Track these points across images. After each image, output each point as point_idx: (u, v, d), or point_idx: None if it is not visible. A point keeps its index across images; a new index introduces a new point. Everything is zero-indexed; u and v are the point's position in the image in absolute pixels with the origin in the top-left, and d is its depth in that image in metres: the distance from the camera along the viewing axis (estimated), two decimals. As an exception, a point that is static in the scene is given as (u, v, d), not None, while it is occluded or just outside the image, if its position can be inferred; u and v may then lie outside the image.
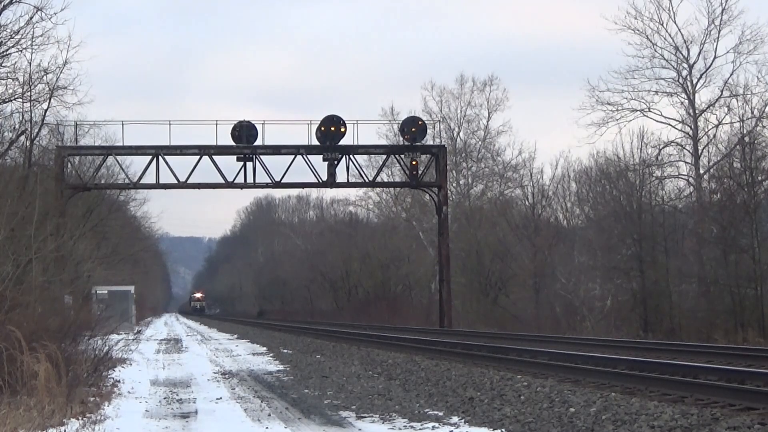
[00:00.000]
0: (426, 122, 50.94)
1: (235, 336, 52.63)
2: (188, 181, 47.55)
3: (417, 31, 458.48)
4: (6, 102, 32.16)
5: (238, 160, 47.03)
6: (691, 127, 50.47)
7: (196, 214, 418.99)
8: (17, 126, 33.57)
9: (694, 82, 50.99)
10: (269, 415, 15.70)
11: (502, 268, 58.26)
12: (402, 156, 51.13)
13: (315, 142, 47.88)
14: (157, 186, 47.88)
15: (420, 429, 13.88)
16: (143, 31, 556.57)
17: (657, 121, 51.47)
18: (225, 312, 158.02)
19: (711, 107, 50.13)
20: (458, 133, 71.96)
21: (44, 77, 32.03)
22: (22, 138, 34.02)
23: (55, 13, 30.36)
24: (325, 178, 48.05)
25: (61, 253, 30.73)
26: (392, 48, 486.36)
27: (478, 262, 59.18)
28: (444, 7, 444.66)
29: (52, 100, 33.37)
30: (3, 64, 31.30)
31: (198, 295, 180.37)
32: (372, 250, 77.56)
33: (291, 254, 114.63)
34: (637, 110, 51.66)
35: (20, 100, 32.18)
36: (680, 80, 51.24)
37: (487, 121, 71.92)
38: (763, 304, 35.18)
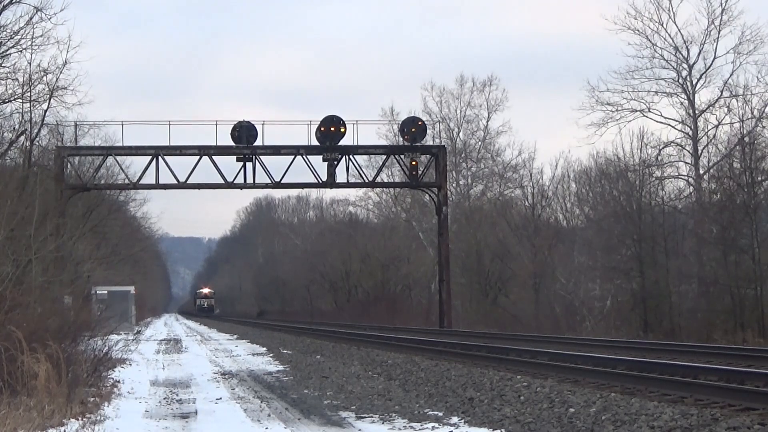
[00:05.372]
0: (426, 122, 50.96)
1: (235, 336, 52.64)
2: (188, 182, 47.57)
3: (417, 31, 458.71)
4: (6, 102, 32.18)
5: (238, 160, 47.04)
6: (690, 127, 50.47)
7: (196, 214, 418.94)
8: (17, 126, 33.59)
9: (694, 83, 51.02)
10: (269, 415, 15.70)
11: (501, 269, 58.27)
12: (402, 156, 51.15)
13: (315, 142, 47.91)
14: (157, 186, 47.90)
15: (420, 429, 13.88)
16: (153, 31, 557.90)
17: (657, 122, 51.54)
18: (225, 312, 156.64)
19: (711, 107, 50.17)
20: (458, 134, 72.10)
21: (44, 77, 32.05)
22: (22, 138, 34.02)
23: (55, 14, 30.42)
24: (324, 178, 48.07)
25: (61, 253, 30.76)
26: (392, 48, 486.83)
27: (478, 263, 59.20)
28: (444, 8, 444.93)
29: (51, 100, 33.38)
30: (3, 65, 31.33)
31: (205, 291, 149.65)
32: (372, 250, 77.55)
33: (291, 254, 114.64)
34: (636, 110, 51.71)
35: (20, 100, 32.20)
36: (680, 80, 51.26)
37: (487, 122, 72.08)
38: (763, 304, 35.18)
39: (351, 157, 48.19)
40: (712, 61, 50.52)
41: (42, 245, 24.24)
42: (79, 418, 14.51)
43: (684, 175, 49.61)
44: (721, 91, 49.81)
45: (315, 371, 24.46)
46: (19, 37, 30.81)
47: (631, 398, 14.98)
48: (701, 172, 48.24)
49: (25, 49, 30.98)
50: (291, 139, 54.52)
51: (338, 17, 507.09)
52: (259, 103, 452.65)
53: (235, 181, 47.62)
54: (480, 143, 71.92)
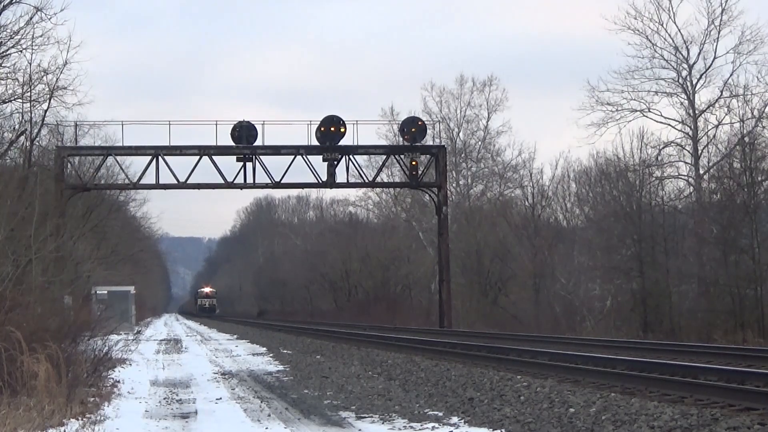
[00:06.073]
0: (426, 122, 50.98)
1: (235, 336, 52.63)
2: (188, 182, 47.58)
3: (417, 31, 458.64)
4: (6, 102, 32.20)
5: (238, 160, 47.06)
6: (690, 127, 50.47)
7: (196, 214, 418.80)
8: (17, 126, 33.64)
9: (694, 83, 51.01)
10: (269, 415, 15.69)
11: (501, 269, 58.27)
12: (402, 156, 51.15)
13: (315, 142, 47.93)
14: (157, 186, 47.92)
15: (420, 429, 13.87)
16: (153, 31, 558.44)
17: (657, 122, 51.55)
18: (225, 312, 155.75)
19: (711, 107, 50.16)
20: (458, 134, 72.11)
21: (44, 77, 32.09)
22: (22, 138, 34.06)
23: (55, 14, 30.46)
24: (324, 178, 48.09)
25: (61, 253, 30.75)
26: (392, 48, 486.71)
27: (478, 262, 59.19)
28: (444, 8, 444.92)
29: (52, 100, 33.42)
30: (3, 65, 31.35)
31: (207, 290, 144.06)
32: (372, 250, 77.58)
33: (291, 254, 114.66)
34: (636, 110, 51.71)
35: (20, 100, 32.24)
36: (680, 80, 51.26)
37: (487, 122, 72.09)
38: (763, 304, 35.18)
39: (351, 157, 48.20)
40: (712, 61, 50.57)
41: (42, 245, 24.25)
42: (79, 418, 14.50)
43: (684, 175, 49.65)
44: (721, 91, 49.86)
45: (315, 371, 24.45)
46: (19, 37, 30.86)
47: (631, 398, 14.97)
48: (701, 172, 48.24)
49: (25, 49, 31.03)
50: (291, 139, 54.63)
51: (338, 17, 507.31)
52: (259, 103, 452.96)
53: (235, 181, 47.64)
54: (480, 143, 71.97)
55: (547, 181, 59.82)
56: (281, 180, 47.95)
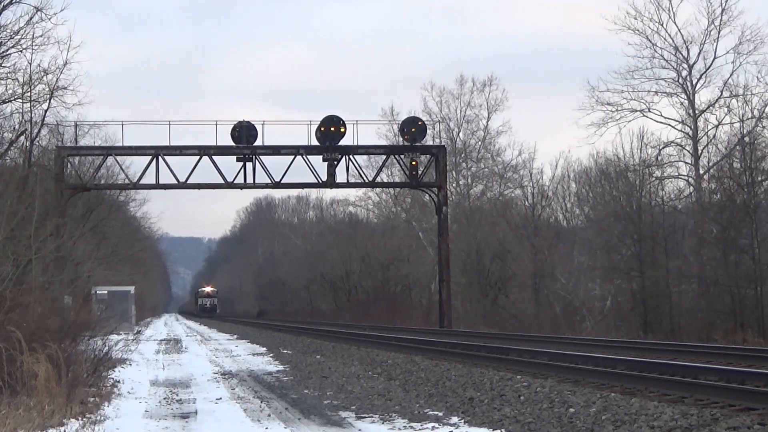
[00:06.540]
0: (426, 122, 50.97)
1: (235, 336, 52.63)
2: (188, 182, 47.58)
3: (417, 31, 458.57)
4: (6, 102, 32.16)
5: (238, 160, 47.06)
6: (690, 127, 50.48)
7: (196, 214, 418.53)
8: (17, 126, 33.55)
9: (694, 83, 51.02)
10: (269, 415, 15.70)
11: (501, 269, 58.28)
12: (402, 156, 51.15)
13: (315, 142, 47.94)
14: (157, 186, 47.93)
15: (420, 429, 13.88)
16: (153, 31, 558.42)
17: (657, 122, 51.56)
18: (225, 312, 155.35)
19: (711, 107, 50.17)
20: (458, 134, 72.12)
21: (44, 78, 32.02)
22: (22, 138, 33.98)
23: (55, 14, 30.39)
24: (324, 178, 48.09)
25: (61, 253, 30.72)
26: (392, 48, 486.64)
27: (478, 262, 59.20)
28: (444, 8, 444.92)
29: (52, 100, 33.36)
30: (3, 65, 31.31)
31: (208, 289, 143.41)
32: (372, 250, 77.59)
33: (291, 254, 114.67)
34: (636, 110, 51.71)
35: (20, 100, 32.18)
36: (680, 80, 51.27)
37: (487, 122, 72.10)
38: (763, 304, 35.19)
39: (351, 157, 48.20)
40: (712, 61, 50.58)
41: (42, 245, 24.22)
42: (79, 418, 14.51)
43: (684, 175, 49.65)
44: (721, 91, 49.87)
45: (315, 371, 24.46)
46: (19, 37, 30.81)
47: (631, 398, 14.98)
48: (701, 172, 48.24)
49: (25, 49, 30.98)
50: (291, 139, 54.65)
51: (339, 17, 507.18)
52: (259, 103, 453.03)
53: (235, 181, 47.64)
54: (480, 143, 71.98)
55: (547, 181, 59.84)
56: (281, 180, 47.96)
